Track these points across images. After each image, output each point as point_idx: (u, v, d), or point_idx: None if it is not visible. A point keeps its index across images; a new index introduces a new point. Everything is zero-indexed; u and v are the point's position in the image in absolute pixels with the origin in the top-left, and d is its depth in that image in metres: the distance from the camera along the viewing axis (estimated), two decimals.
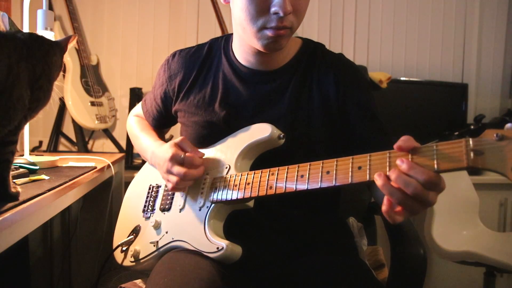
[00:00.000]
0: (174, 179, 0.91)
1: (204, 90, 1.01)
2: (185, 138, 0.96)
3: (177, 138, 0.96)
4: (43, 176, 1.07)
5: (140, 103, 1.22)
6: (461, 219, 1.91)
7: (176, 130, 1.13)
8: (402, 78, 2.35)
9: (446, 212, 1.86)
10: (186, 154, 0.91)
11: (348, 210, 1.21)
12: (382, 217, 1.19)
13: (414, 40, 2.46)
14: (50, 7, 1.51)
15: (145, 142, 1.10)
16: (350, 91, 0.97)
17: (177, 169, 0.90)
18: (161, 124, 1.17)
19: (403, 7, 2.44)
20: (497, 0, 2.50)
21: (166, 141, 1.27)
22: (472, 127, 2.27)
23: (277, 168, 0.82)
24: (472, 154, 0.59)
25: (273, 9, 0.85)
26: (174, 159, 0.91)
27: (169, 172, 0.91)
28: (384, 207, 0.66)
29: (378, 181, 0.65)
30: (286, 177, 0.79)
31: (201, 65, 1.04)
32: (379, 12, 2.43)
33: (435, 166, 0.62)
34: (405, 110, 2.30)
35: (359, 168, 0.69)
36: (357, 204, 1.39)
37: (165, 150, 0.94)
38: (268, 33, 0.88)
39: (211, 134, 0.99)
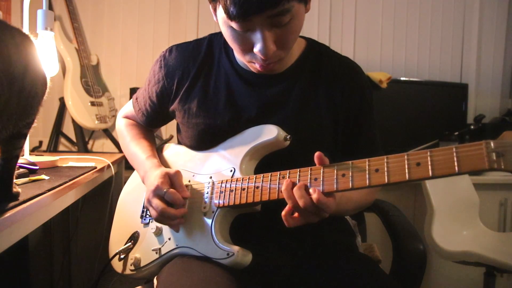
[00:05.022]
0: (153, 212, 0.88)
1: (206, 91, 0.97)
2: (180, 173, 0.92)
3: (172, 170, 0.92)
4: (43, 176, 1.06)
5: (130, 101, 1.16)
6: (461, 219, 1.92)
7: (172, 129, 1.12)
8: (402, 78, 2.34)
9: (446, 212, 1.86)
10: (170, 190, 0.87)
11: None
12: (378, 215, 1.21)
13: (414, 40, 2.46)
14: (50, 7, 1.51)
15: (138, 156, 1.05)
16: (356, 99, 0.98)
17: (156, 202, 0.87)
18: (154, 123, 1.13)
19: (403, 7, 2.44)
20: (497, 1, 2.50)
21: (160, 140, 1.24)
22: (472, 127, 2.27)
23: (287, 171, 0.79)
24: (494, 156, 0.59)
25: (255, 50, 0.82)
26: (156, 192, 0.88)
27: (149, 202, 0.89)
28: (283, 212, 0.77)
29: (283, 185, 0.76)
30: (299, 180, 0.77)
31: (202, 62, 0.99)
32: (379, 12, 2.43)
33: (456, 168, 0.62)
34: (405, 110, 2.30)
35: (377, 170, 0.69)
36: None
37: (154, 177, 0.90)
38: (257, 66, 0.87)
39: (214, 137, 0.96)
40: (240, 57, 0.90)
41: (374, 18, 2.43)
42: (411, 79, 2.38)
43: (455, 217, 1.90)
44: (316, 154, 0.75)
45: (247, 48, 0.84)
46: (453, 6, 2.47)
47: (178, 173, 0.91)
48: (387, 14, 2.43)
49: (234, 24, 0.80)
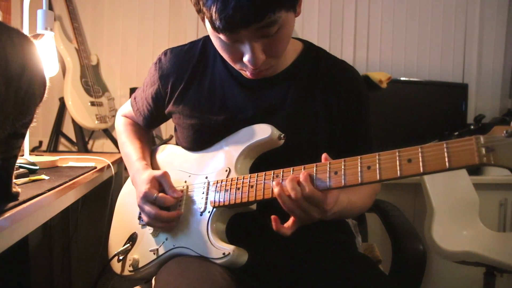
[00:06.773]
0: (146, 218, 0.90)
1: (200, 92, 0.98)
2: (167, 173, 0.93)
3: (158, 172, 0.93)
4: (43, 176, 1.07)
5: (129, 100, 1.17)
6: (461, 219, 1.92)
7: (172, 129, 1.12)
8: (402, 78, 2.34)
9: (446, 212, 1.86)
10: (160, 194, 0.89)
11: None
12: (378, 215, 1.21)
13: (414, 40, 2.46)
14: (50, 7, 1.51)
15: (130, 157, 1.06)
16: (353, 104, 0.98)
17: (148, 208, 0.89)
18: (151, 123, 1.14)
19: (403, 7, 2.44)
20: (498, 1, 2.50)
21: (160, 139, 1.24)
22: (472, 127, 2.27)
23: (281, 170, 0.80)
24: (483, 151, 0.59)
25: (244, 60, 0.83)
26: (146, 199, 0.90)
27: (141, 208, 0.91)
28: (274, 227, 0.78)
29: (275, 189, 0.76)
30: None
31: (196, 64, 0.99)
32: (379, 12, 2.42)
33: (447, 163, 0.61)
34: (405, 110, 2.30)
35: (368, 168, 0.69)
36: None
37: (141, 182, 0.92)
38: (248, 74, 0.88)
39: (209, 137, 0.97)
40: (232, 64, 0.90)
41: (374, 18, 2.42)
42: (411, 79, 2.38)
43: (455, 217, 1.90)
44: (323, 155, 0.77)
45: (237, 57, 0.85)
46: (454, 6, 2.47)
47: (165, 174, 0.93)
48: (387, 14, 2.43)
49: (221, 36, 0.80)
